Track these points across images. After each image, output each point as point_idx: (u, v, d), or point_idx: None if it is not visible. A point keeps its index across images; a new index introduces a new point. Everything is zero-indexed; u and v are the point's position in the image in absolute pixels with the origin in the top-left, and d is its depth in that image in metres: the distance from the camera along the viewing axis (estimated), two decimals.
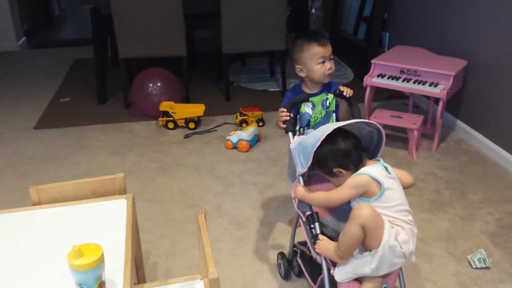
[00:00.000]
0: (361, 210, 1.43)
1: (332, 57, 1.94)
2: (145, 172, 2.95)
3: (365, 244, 1.46)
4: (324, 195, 1.58)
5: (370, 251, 1.45)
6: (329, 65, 1.92)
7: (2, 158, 3.15)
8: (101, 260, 1.14)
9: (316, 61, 1.91)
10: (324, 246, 1.55)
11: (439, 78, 3.02)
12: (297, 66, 1.97)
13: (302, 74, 1.98)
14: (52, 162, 3.09)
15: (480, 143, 3.18)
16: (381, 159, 1.58)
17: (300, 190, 1.66)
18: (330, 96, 1.99)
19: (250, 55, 4.95)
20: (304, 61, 1.94)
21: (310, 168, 1.62)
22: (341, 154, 1.53)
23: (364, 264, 1.46)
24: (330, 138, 1.52)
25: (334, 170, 1.55)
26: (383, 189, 1.47)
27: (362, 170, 1.51)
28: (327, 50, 1.91)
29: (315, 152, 1.53)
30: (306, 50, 1.92)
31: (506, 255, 2.20)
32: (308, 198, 1.63)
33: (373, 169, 1.51)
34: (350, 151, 1.54)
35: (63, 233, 1.42)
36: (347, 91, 1.85)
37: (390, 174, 1.52)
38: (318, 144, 1.50)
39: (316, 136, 1.53)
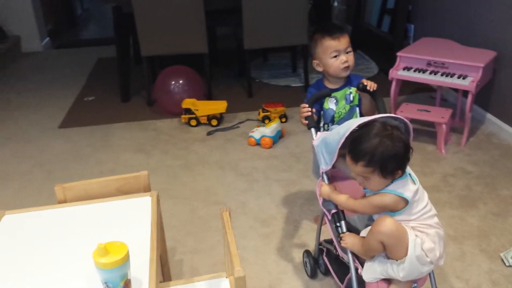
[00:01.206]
0: (381, 226, 1.38)
1: (348, 50, 1.89)
2: (169, 169, 2.96)
3: (388, 254, 1.43)
4: (351, 204, 1.52)
5: (396, 260, 1.41)
6: (344, 58, 1.88)
7: (29, 157, 3.19)
8: (126, 259, 1.13)
9: (329, 55, 1.88)
10: (351, 241, 1.52)
11: (467, 70, 2.92)
12: (314, 61, 1.95)
13: (319, 69, 1.95)
14: (78, 160, 3.12)
15: (511, 137, 3.08)
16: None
17: (325, 189, 1.61)
18: (353, 89, 1.94)
19: (272, 51, 4.91)
20: (319, 55, 1.92)
21: (335, 165, 1.57)
22: (407, 153, 1.38)
23: (392, 269, 1.42)
24: (391, 132, 1.36)
25: (399, 171, 1.38)
26: (409, 204, 1.41)
27: (394, 188, 1.40)
28: (340, 43, 1.87)
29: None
30: (320, 45, 1.90)
31: None
32: (334, 198, 1.59)
33: (402, 186, 1.40)
34: (410, 148, 1.40)
35: (89, 230, 1.42)
36: (371, 85, 1.80)
37: (415, 184, 1.43)
38: (343, 140, 1.44)
39: (341, 132, 1.47)
